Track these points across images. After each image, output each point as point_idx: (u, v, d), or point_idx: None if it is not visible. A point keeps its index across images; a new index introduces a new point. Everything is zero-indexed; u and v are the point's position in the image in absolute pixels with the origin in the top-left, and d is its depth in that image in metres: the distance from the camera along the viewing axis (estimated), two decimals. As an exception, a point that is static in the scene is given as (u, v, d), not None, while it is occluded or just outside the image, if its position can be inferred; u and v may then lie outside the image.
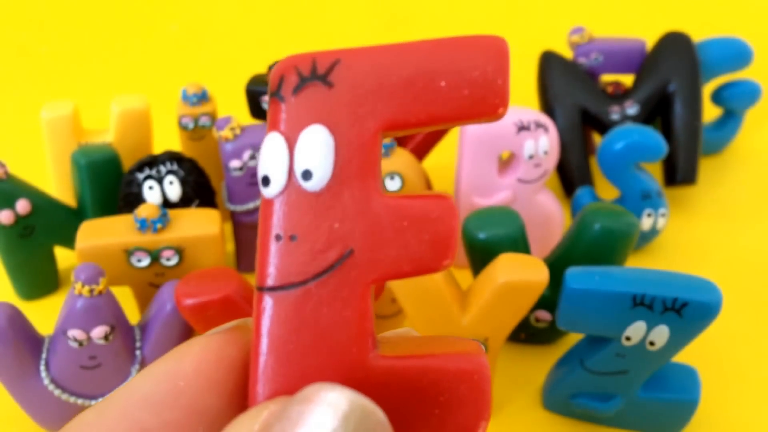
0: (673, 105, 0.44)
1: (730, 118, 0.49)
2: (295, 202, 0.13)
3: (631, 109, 0.45)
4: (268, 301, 0.13)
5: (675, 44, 0.45)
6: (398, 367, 0.13)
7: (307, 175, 0.13)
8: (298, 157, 0.13)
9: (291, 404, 0.12)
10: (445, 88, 0.13)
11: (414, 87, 0.13)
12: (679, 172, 0.44)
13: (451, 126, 0.14)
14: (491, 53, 0.13)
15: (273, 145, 0.13)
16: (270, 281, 0.13)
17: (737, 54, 0.47)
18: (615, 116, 0.45)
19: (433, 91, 0.13)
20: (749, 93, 0.47)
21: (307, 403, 0.11)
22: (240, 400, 0.14)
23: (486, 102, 0.13)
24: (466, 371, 0.13)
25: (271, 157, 0.13)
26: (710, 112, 0.50)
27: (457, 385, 0.13)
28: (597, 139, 0.48)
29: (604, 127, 0.45)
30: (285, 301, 0.13)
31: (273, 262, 0.13)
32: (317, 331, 0.13)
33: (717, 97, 0.48)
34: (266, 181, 0.13)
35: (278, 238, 0.13)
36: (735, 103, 0.48)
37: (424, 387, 0.13)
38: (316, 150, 0.13)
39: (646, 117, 0.45)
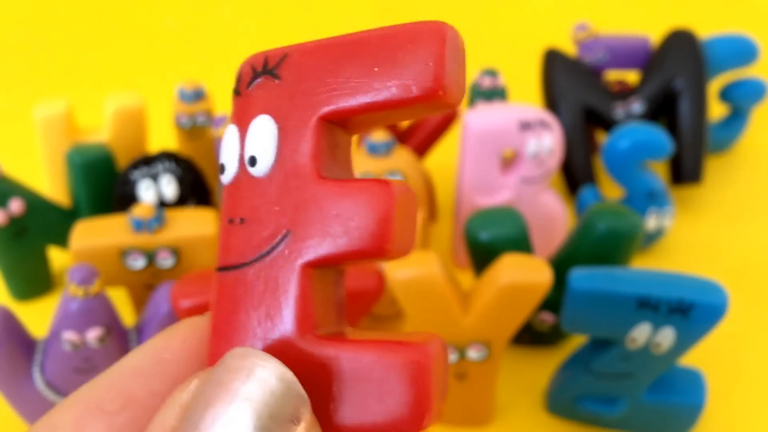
0: (679, 103, 0.44)
1: (737, 117, 0.49)
2: (244, 187, 0.14)
3: (637, 107, 0.44)
4: (217, 281, 0.14)
5: (680, 42, 0.45)
6: (331, 351, 0.13)
7: (253, 161, 0.14)
8: (247, 145, 0.14)
9: (213, 371, 0.12)
10: (379, 75, 0.13)
11: (351, 76, 0.14)
12: (685, 170, 0.44)
13: (402, 115, 0.14)
14: (426, 37, 0.13)
15: (228, 136, 0.14)
16: (221, 262, 0.14)
17: (743, 51, 0.47)
18: (620, 114, 0.44)
19: (368, 79, 0.13)
20: (756, 91, 0.47)
21: (227, 368, 0.12)
22: None
23: (421, 87, 0.13)
24: (399, 360, 0.13)
25: (226, 147, 0.14)
26: (716, 110, 0.50)
27: (386, 374, 0.13)
28: (601, 137, 0.48)
29: (608, 125, 0.44)
30: (231, 281, 0.14)
31: (224, 244, 0.14)
32: (257, 310, 0.14)
33: (725, 96, 0.48)
34: (222, 168, 0.14)
35: (231, 221, 0.14)
36: (742, 101, 0.47)
37: (353, 372, 0.13)
38: (261, 138, 0.14)
39: (651, 115, 0.44)
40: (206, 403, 0.12)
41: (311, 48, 0.14)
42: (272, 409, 0.12)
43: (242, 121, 0.14)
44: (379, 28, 0.14)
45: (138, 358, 0.14)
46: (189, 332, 0.14)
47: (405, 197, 0.14)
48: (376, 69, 0.13)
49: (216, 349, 0.14)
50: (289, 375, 0.12)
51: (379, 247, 0.13)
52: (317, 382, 0.13)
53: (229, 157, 0.14)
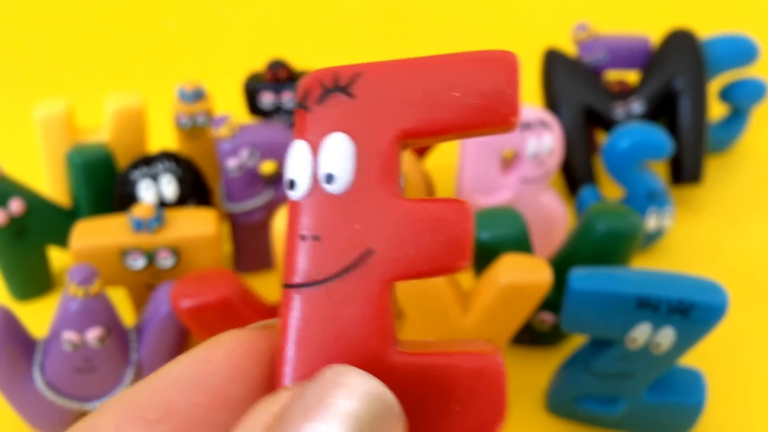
0: (679, 103, 0.44)
1: (737, 117, 0.49)
2: (319, 204, 0.14)
3: (637, 107, 0.44)
4: (293, 298, 0.14)
5: (680, 42, 0.45)
6: (416, 364, 0.14)
7: (330, 178, 0.14)
8: (322, 162, 0.14)
9: (311, 385, 0.12)
10: (459, 99, 0.14)
11: (429, 98, 0.14)
12: (685, 170, 0.44)
13: (467, 136, 0.15)
14: (501, 66, 0.14)
15: (298, 152, 0.14)
16: (295, 278, 0.14)
17: (743, 51, 0.47)
18: (620, 114, 0.44)
19: (447, 102, 0.14)
20: (756, 91, 0.47)
21: (327, 384, 0.12)
22: (265, 391, 0.14)
23: (497, 111, 0.14)
24: (482, 368, 0.14)
25: (297, 163, 0.14)
26: (716, 110, 0.50)
27: (473, 382, 0.14)
28: (601, 137, 0.48)
29: (608, 125, 0.44)
30: (308, 297, 0.14)
31: (298, 261, 0.14)
32: (338, 326, 0.14)
33: (725, 95, 0.48)
34: (292, 184, 0.14)
35: (303, 237, 0.14)
36: (742, 101, 0.47)
37: (440, 383, 0.14)
38: (338, 156, 0.14)
39: (651, 115, 0.44)
40: (305, 416, 0.12)
41: (386, 68, 0.15)
42: (372, 427, 0.12)
43: (314, 137, 0.14)
44: (450, 54, 0.15)
45: (180, 368, 0.14)
46: (232, 345, 0.14)
47: (473, 215, 0.14)
48: (454, 92, 0.14)
49: (297, 363, 0.14)
50: (388, 394, 0.12)
51: (460, 263, 0.14)
52: (407, 395, 0.14)
53: (300, 173, 0.14)
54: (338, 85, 0.15)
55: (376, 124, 0.14)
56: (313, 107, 0.15)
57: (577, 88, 0.45)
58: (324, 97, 0.15)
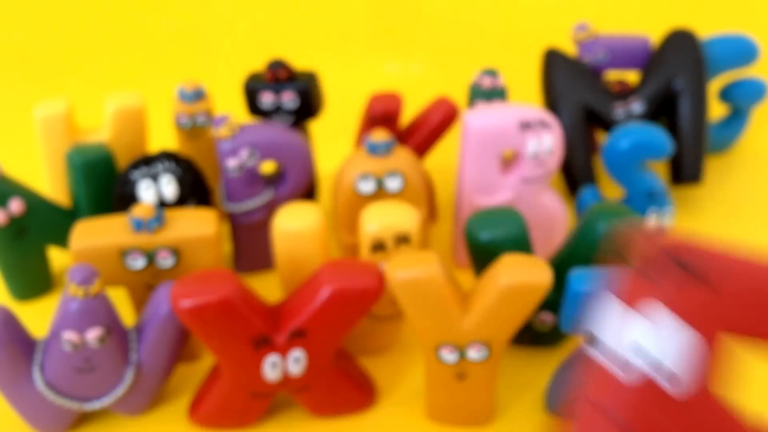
0: (679, 103, 0.44)
1: (737, 117, 0.49)
2: (646, 398, 0.13)
3: (637, 107, 0.44)
4: None
5: (680, 42, 0.45)
6: None
7: (672, 379, 0.13)
8: (664, 350, 0.13)
9: None
10: None
11: None
12: (685, 169, 0.44)
13: None
14: None
15: (632, 323, 0.13)
16: None
17: (743, 51, 0.47)
18: (620, 114, 0.44)
19: None
20: (756, 91, 0.47)
21: None
22: None
23: None
24: None
25: (624, 332, 0.13)
26: (716, 110, 0.50)
27: None
28: (601, 137, 0.48)
29: (608, 125, 0.44)
30: None
31: None
32: None
33: (725, 95, 0.48)
34: (593, 340, 0.13)
35: (601, 412, 0.13)
36: (742, 101, 0.47)
37: None
38: (678, 349, 0.13)
39: (651, 115, 0.44)
40: None
41: (747, 267, 0.14)
42: None
43: (643, 307, 0.13)
44: None
45: None
46: None
47: None
48: None
49: None
50: None
51: None
52: None
53: (631, 350, 0.13)
54: (692, 268, 0.13)
55: (730, 322, 0.13)
56: (652, 275, 0.13)
57: (577, 88, 0.45)
58: (670, 271, 0.13)
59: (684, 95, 0.44)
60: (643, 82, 0.45)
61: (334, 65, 0.55)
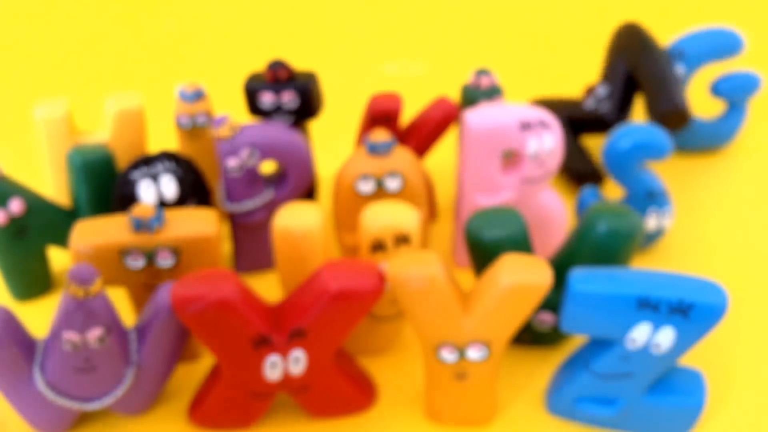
0: (639, 65, 0.45)
1: (734, 111, 0.49)
2: None
3: (601, 90, 0.46)
4: None
5: (625, 31, 0.48)
6: None
7: None
8: None
9: None
10: None
11: None
12: (665, 103, 0.43)
13: None
14: None
15: None
16: None
17: (725, 43, 0.47)
18: (589, 103, 0.47)
19: None
20: (747, 83, 0.47)
21: None
22: None
23: None
24: None
25: None
26: (713, 106, 0.50)
27: None
28: (596, 141, 0.48)
29: (591, 123, 0.47)
30: None
31: None
32: None
33: (716, 90, 0.48)
34: None
35: None
36: (734, 94, 0.47)
37: None
38: None
39: (621, 93, 0.46)
40: None
41: None
42: None
43: None
44: None
45: None
46: None
47: None
48: None
49: None
50: None
51: None
52: None
53: None
54: None
55: None
56: None
57: (556, 107, 0.48)
58: None
59: (642, 59, 0.45)
60: (602, 74, 0.48)
61: (334, 65, 0.55)
